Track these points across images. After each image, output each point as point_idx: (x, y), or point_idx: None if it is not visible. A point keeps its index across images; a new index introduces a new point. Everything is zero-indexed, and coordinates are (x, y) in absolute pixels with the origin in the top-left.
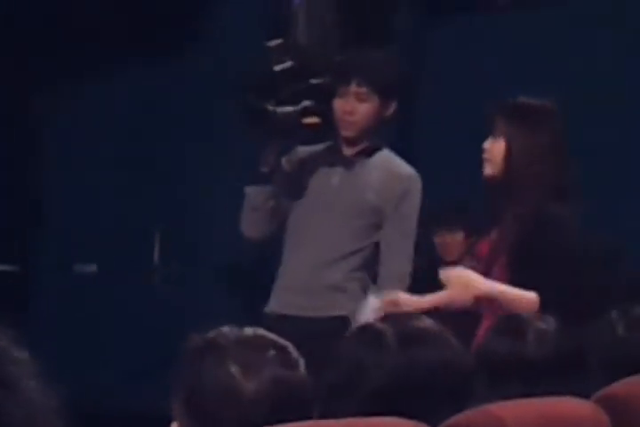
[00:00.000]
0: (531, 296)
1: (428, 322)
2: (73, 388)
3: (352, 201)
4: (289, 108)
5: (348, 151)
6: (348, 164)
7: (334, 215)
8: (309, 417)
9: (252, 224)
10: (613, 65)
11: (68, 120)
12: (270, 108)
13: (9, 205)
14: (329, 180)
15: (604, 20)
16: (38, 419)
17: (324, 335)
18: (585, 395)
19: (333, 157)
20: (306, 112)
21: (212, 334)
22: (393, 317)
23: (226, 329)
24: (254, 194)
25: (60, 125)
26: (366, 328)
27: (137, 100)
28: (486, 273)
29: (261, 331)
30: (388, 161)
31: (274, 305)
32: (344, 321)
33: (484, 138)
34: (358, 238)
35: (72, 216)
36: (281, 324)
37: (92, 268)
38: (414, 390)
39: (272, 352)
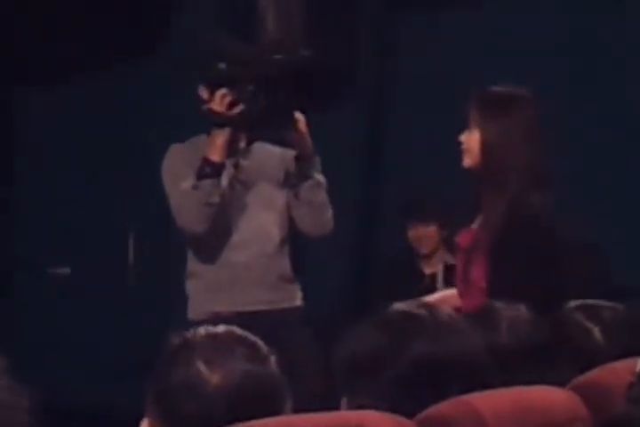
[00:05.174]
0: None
1: (453, 313)
2: (45, 387)
3: (269, 175)
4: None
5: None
6: (247, 151)
7: (262, 198)
8: (281, 413)
9: (202, 220)
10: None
11: (40, 120)
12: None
13: None
14: (241, 171)
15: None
16: (9, 417)
17: (293, 326)
18: (560, 383)
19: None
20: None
21: (189, 333)
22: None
23: (201, 328)
24: (210, 188)
25: (31, 125)
26: (395, 313)
27: (110, 99)
28: (467, 263)
29: (233, 328)
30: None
31: (224, 303)
32: (301, 311)
33: (452, 131)
34: (283, 220)
35: (44, 217)
36: (246, 321)
37: (66, 270)
38: (437, 378)
39: (240, 348)
